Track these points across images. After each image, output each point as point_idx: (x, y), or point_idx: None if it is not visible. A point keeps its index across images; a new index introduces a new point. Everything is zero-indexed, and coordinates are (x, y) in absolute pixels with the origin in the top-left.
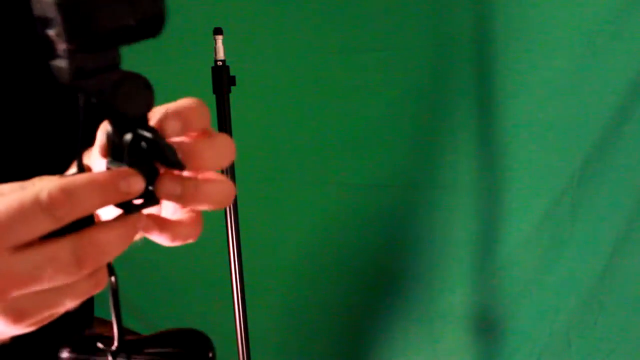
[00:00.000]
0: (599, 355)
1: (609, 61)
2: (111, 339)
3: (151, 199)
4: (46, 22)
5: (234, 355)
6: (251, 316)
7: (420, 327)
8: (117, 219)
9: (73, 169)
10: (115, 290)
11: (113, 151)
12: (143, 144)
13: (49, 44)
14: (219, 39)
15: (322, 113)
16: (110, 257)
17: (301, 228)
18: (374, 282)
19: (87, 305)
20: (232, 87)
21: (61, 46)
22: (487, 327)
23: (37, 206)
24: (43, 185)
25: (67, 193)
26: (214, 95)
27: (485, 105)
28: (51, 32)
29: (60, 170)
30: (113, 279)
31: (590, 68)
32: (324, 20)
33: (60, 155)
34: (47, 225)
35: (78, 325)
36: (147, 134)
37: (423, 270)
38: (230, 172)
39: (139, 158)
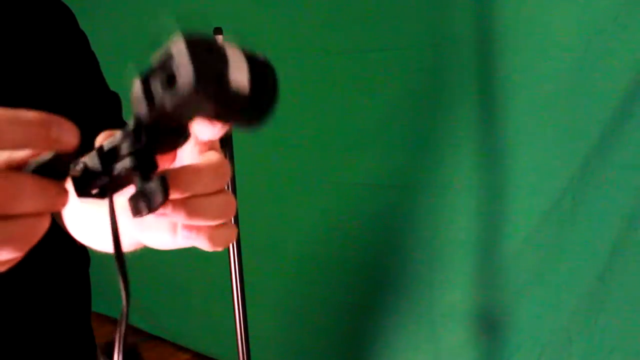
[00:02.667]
0: (600, 354)
1: (609, 61)
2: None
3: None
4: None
5: (234, 354)
6: (251, 315)
7: (421, 326)
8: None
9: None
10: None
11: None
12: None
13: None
14: (219, 39)
15: (322, 113)
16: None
17: (301, 227)
18: (374, 281)
19: (84, 297)
20: None
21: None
22: (488, 326)
23: None
24: None
25: None
26: None
27: (485, 106)
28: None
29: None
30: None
31: (590, 68)
32: (324, 20)
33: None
34: None
35: (73, 320)
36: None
37: (423, 270)
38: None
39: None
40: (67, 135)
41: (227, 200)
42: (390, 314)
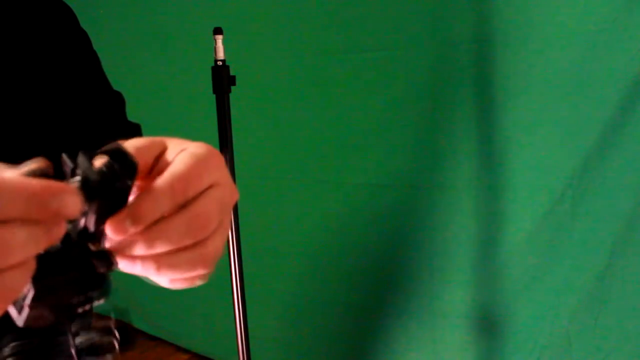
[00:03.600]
0: (599, 354)
1: (609, 61)
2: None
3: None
4: None
5: (234, 355)
6: (252, 316)
7: (421, 326)
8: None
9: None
10: None
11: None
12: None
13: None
14: (219, 39)
15: (322, 113)
16: (14, 258)
17: (301, 227)
18: (374, 281)
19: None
20: (232, 87)
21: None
22: (487, 326)
23: None
24: None
25: None
26: (214, 95)
27: (485, 105)
28: None
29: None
30: None
31: (590, 68)
32: (324, 20)
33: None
34: None
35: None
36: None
37: (423, 270)
38: (230, 171)
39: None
40: (68, 205)
41: (191, 217)
42: (390, 314)
